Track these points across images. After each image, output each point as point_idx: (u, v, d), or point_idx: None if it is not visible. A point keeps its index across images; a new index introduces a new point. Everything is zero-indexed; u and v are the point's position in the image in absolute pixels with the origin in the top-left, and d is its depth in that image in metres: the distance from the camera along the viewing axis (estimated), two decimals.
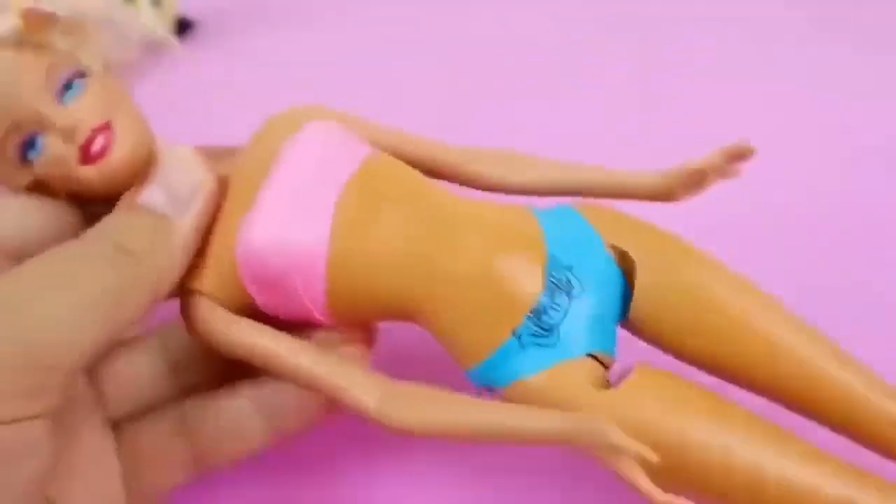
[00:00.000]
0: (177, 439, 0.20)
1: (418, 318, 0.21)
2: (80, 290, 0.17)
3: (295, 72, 0.46)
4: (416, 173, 0.22)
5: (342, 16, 0.53)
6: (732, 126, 0.39)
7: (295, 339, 0.20)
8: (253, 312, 0.21)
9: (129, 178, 0.21)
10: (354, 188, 0.21)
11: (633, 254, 0.21)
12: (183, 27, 0.51)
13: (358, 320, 0.21)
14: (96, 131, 0.20)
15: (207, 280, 0.21)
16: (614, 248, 0.21)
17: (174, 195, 0.20)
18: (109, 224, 0.19)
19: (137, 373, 0.22)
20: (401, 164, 0.22)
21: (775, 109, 0.41)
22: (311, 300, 0.20)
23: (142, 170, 0.21)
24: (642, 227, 0.22)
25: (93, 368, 0.21)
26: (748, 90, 0.42)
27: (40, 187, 0.20)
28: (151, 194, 0.20)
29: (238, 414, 0.21)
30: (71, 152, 0.20)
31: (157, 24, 0.49)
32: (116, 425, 0.21)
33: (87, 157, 0.20)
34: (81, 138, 0.20)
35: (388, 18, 0.53)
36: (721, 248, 0.23)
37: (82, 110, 0.20)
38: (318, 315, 0.21)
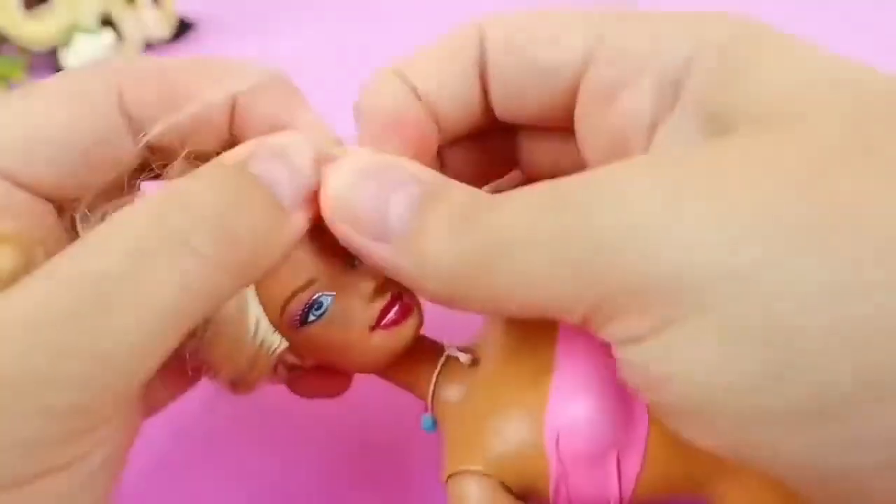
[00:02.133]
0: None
1: (715, 490, 0.20)
2: (152, 298, 0.13)
3: (295, 72, 0.46)
4: None
5: (342, 16, 0.53)
6: None
7: None
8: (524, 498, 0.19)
9: (389, 361, 0.20)
10: None
11: None
12: (183, 27, 0.51)
13: (663, 493, 0.20)
14: (395, 298, 0.19)
15: (489, 459, 0.19)
16: None
17: (299, 184, 0.16)
18: (203, 192, 0.14)
19: None
20: None
21: None
22: (624, 477, 0.19)
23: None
24: None
25: None
26: None
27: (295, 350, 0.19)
28: (272, 165, 0.16)
29: None
30: (369, 313, 0.18)
31: (157, 24, 0.49)
32: None
33: (382, 321, 0.19)
34: (384, 300, 0.19)
35: (389, 18, 0.53)
36: None
37: (378, 273, 0.19)
38: (616, 497, 0.19)
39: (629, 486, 0.19)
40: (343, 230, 0.16)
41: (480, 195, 0.15)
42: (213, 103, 0.17)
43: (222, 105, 0.18)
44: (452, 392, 0.21)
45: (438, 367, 0.21)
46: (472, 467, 0.19)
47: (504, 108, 0.19)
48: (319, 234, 0.18)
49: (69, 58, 0.46)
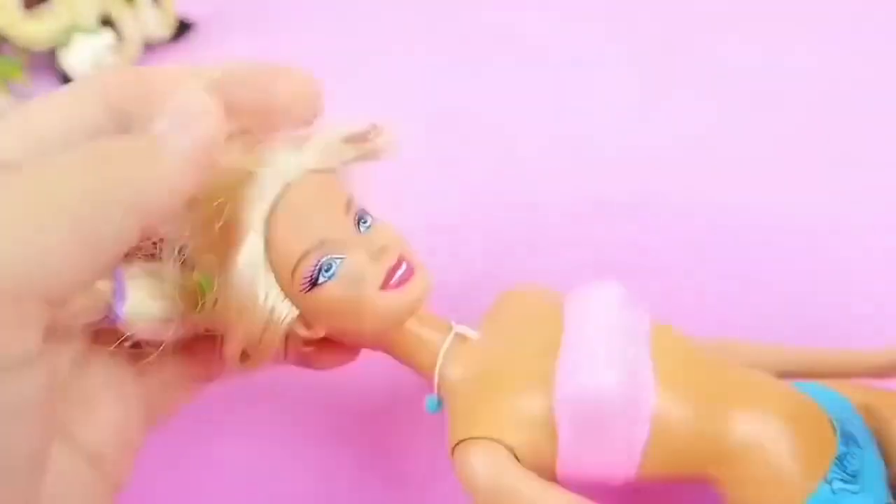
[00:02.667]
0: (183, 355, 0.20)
1: (719, 469, 0.20)
2: (39, 195, 0.14)
3: None
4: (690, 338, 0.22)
5: (342, 16, 0.53)
6: (731, 124, 0.40)
7: None
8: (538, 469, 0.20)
9: (402, 323, 0.20)
10: (657, 342, 0.21)
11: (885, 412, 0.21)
12: (183, 27, 0.51)
13: (667, 470, 0.20)
14: (401, 259, 0.19)
15: (500, 427, 0.20)
16: (861, 408, 0.22)
17: (173, 120, 0.17)
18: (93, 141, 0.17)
19: None
20: (673, 327, 0.22)
21: (778, 108, 0.41)
22: (629, 449, 0.19)
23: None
24: (869, 389, 0.22)
25: None
26: (749, 89, 0.42)
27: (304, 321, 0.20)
28: (151, 125, 0.17)
29: None
30: (377, 272, 0.19)
31: (157, 24, 0.49)
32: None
33: (390, 281, 0.19)
34: (391, 260, 0.19)
35: (388, 18, 0.53)
36: None
37: (384, 236, 0.20)
38: (622, 469, 0.20)
39: (636, 456, 0.19)
40: None
41: None
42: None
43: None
44: (459, 369, 0.21)
45: (446, 343, 0.21)
46: (479, 435, 0.19)
47: None
48: (325, 197, 0.19)
49: (69, 58, 0.46)
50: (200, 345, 0.20)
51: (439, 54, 0.48)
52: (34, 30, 0.45)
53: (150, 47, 0.49)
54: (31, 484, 0.15)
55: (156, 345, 0.19)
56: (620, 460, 0.19)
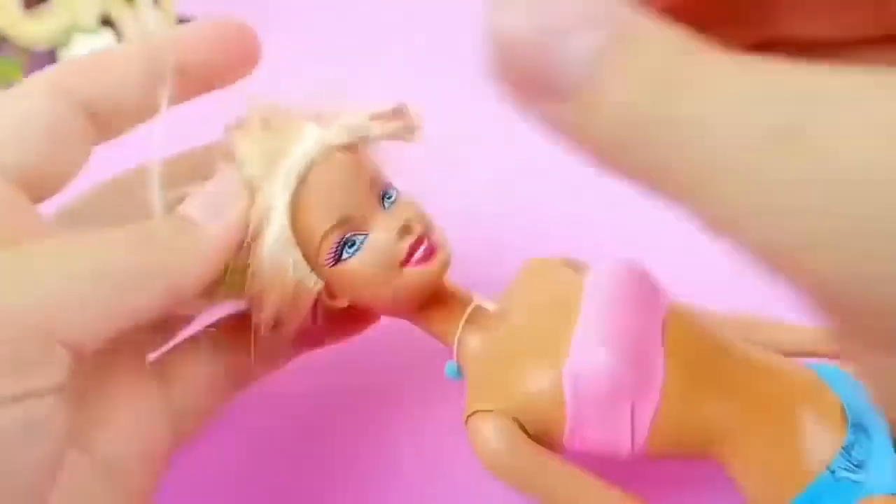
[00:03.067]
0: (212, 360, 0.21)
1: (725, 450, 0.20)
2: (88, 262, 0.16)
3: (294, 71, 0.46)
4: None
5: (342, 16, 0.53)
6: None
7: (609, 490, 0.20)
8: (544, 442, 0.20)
9: (421, 298, 0.21)
10: (671, 323, 0.21)
11: None
12: None
13: (672, 448, 0.21)
14: (424, 235, 0.20)
15: (509, 401, 0.20)
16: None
17: (208, 204, 0.19)
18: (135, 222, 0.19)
19: None
20: (690, 310, 0.23)
21: None
22: (635, 426, 0.20)
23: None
24: None
25: None
26: None
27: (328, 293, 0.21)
28: (187, 205, 0.19)
29: None
30: (398, 250, 0.20)
31: (157, 24, 0.49)
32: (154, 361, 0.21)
33: (411, 258, 0.20)
34: (412, 238, 0.20)
35: (389, 18, 0.53)
36: None
37: (407, 214, 0.20)
38: (627, 445, 0.20)
39: (642, 434, 0.20)
40: (507, 83, 0.13)
41: (687, 49, 0.11)
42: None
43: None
44: (478, 340, 0.22)
45: (466, 314, 0.22)
46: (492, 407, 0.20)
47: None
48: (349, 173, 0.20)
49: (69, 58, 0.46)
50: (225, 353, 0.21)
51: (439, 54, 0.48)
52: (34, 30, 0.45)
53: None
54: (42, 492, 0.15)
55: (188, 341, 0.20)
56: (626, 437, 0.20)
